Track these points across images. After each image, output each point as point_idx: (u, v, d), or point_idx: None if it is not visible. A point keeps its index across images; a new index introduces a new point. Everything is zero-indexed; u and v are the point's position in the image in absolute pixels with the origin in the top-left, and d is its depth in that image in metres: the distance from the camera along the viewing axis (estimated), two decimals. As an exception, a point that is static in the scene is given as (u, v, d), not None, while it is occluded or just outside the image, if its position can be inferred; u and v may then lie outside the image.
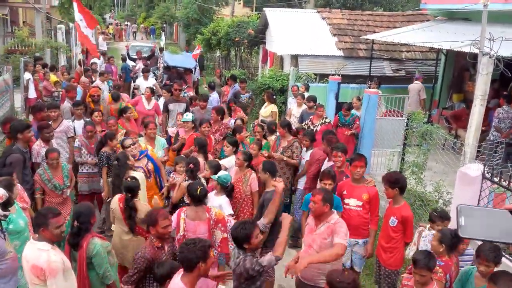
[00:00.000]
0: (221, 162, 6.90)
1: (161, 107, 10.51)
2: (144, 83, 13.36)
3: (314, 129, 8.91)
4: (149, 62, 18.21)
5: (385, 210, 5.74)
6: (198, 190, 5.20)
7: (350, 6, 25.53)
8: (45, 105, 8.52)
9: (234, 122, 9.04)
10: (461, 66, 13.33)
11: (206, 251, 3.85)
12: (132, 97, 12.92)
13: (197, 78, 17.84)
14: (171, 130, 9.23)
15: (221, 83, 15.83)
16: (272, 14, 17.32)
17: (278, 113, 11.28)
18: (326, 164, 7.09)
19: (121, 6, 76.45)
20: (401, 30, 13.26)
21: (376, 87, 11.65)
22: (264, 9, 18.04)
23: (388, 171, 7.52)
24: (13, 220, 5.00)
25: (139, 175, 6.31)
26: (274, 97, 11.56)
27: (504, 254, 5.03)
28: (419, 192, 7.73)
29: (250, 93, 13.15)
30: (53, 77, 13.44)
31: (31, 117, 10.11)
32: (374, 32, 15.10)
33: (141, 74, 14.50)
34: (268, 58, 18.34)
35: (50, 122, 7.70)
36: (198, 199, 5.23)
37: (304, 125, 9.36)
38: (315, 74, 14.18)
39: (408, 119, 8.73)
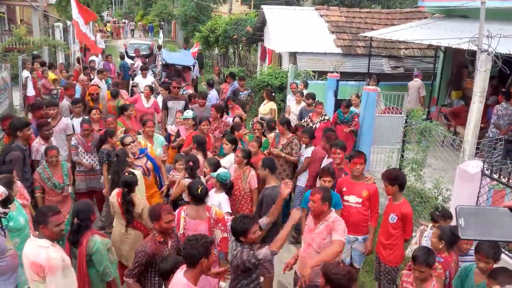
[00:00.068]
0: (221, 162, 6.91)
1: (160, 104, 10.51)
2: (142, 81, 13.36)
3: (313, 127, 8.92)
4: (147, 60, 18.19)
5: (385, 207, 5.75)
6: (199, 189, 5.20)
7: (348, 3, 25.52)
8: (44, 103, 8.52)
9: (233, 120, 9.04)
10: (459, 63, 13.35)
11: (208, 247, 3.87)
12: (131, 95, 12.89)
13: (196, 76, 17.82)
14: (170, 128, 9.23)
15: (220, 80, 15.83)
16: (270, 11, 17.30)
17: (277, 110, 11.29)
18: (326, 161, 7.11)
19: (119, 4, 76.22)
20: (399, 28, 13.25)
21: (375, 84, 11.66)
22: (262, 6, 18.00)
23: (387, 168, 7.53)
24: (13, 217, 5.01)
25: (137, 172, 6.32)
26: (273, 94, 11.56)
27: (503, 250, 5.04)
28: (418, 189, 7.74)
29: (249, 90, 13.14)
30: (51, 75, 13.41)
31: (30, 115, 10.11)
32: (372, 29, 15.09)
33: (140, 72, 14.49)
34: (267, 55, 18.33)
35: (49, 120, 7.71)
36: (199, 198, 5.24)
37: (303, 122, 9.36)
38: (314, 72, 14.17)
39: (407, 116, 8.74)
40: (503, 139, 8.42)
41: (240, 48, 22.88)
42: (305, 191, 7.06)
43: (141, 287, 4.60)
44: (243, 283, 4.47)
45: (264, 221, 4.99)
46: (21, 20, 26.07)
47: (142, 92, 11.02)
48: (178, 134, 8.40)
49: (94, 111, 8.58)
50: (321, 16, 16.70)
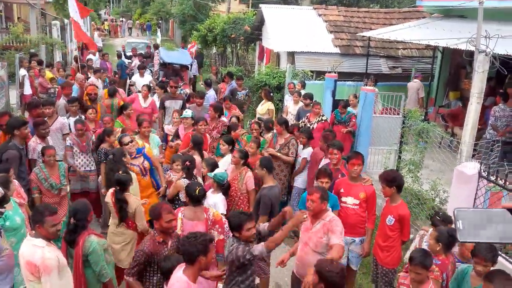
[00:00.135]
0: (219, 163, 6.90)
1: (157, 104, 10.48)
2: (140, 80, 13.34)
3: (311, 127, 8.91)
4: (145, 60, 18.15)
5: (382, 209, 5.74)
6: (197, 190, 5.19)
7: (346, 3, 25.53)
8: (41, 102, 8.48)
9: (229, 120, 9.02)
10: (457, 63, 13.35)
11: (207, 245, 3.90)
12: (128, 94, 12.86)
13: (194, 75, 17.79)
14: (167, 128, 9.20)
15: (218, 80, 15.81)
16: (268, 10, 17.27)
17: (275, 110, 11.27)
18: (323, 162, 7.11)
19: (116, 2, 76.00)
20: (397, 28, 13.25)
21: (373, 85, 11.65)
22: (260, 5, 17.97)
23: (385, 169, 7.53)
24: (9, 217, 4.99)
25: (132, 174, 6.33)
26: (271, 94, 11.54)
27: (500, 253, 5.04)
28: (415, 190, 7.75)
29: (247, 90, 13.14)
30: (48, 74, 13.37)
31: (26, 114, 10.07)
32: (371, 29, 15.08)
33: (137, 71, 14.46)
34: (265, 55, 18.30)
35: (45, 119, 7.67)
36: (196, 199, 5.23)
37: (301, 122, 9.36)
38: (312, 71, 14.16)
39: (404, 117, 8.74)
40: (501, 141, 8.42)
41: (238, 47, 22.85)
42: (302, 192, 7.06)
43: (142, 286, 4.60)
44: (238, 279, 4.51)
45: (264, 228, 4.97)
46: (18, 18, 25.98)
47: (139, 92, 10.99)
48: (176, 133, 8.39)
49: (90, 111, 8.56)
50: (319, 15, 16.69)
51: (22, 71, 13.05)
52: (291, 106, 10.73)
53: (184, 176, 6.23)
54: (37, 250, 4.15)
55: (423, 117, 8.84)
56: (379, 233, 5.70)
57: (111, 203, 5.70)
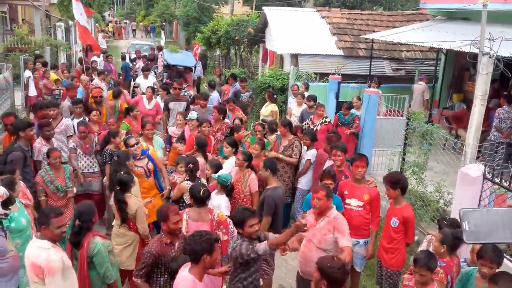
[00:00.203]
0: (223, 165, 6.91)
1: (161, 106, 10.51)
2: (144, 82, 13.37)
3: (314, 129, 8.92)
4: (149, 62, 18.19)
5: (387, 211, 5.74)
6: (201, 191, 5.21)
7: (349, 5, 25.51)
8: (45, 103, 8.51)
9: (233, 122, 9.04)
10: (461, 65, 13.33)
11: (211, 243, 3.92)
12: (132, 96, 12.90)
13: (198, 77, 17.81)
14: (171, 130, 9.22)
15: (221, 82, 15.81)
16: (272, 12, 17.30)
17: (279, 112, 11.28)
18: (327, 164, 7.12)
19: (121, 4, 76.31)
20: (400, 30, 13.25)
21: (376, 87, 11.65)
22: (264, 7, 18.01)
23: (388, 171, 7.53)
24: (14, 218, 5.00)
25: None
26: (275, 96, 11.56)
27: (505, 255, 5.04)
28: (420, 192, 7.73)
29: (251, 92, 13.15)
30: (53, 75, 13.41)
31: (31, 116, 10.10)
32: (374, 31, 15.09)
33: (141, 72, 14.50)
34: (268, 57, 18.32)
35: (50, 120, 7.71)
36: (201, 200, 5.25)
37: (305, 124, 9.37)
38: (315, 73, 14.17)
39: (408, 119, 8.73)
40: (505, 143, 8.41)
41: (242, 49, 22.87)
42: (306, 193, 7.07)
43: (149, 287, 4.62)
44: (242, 276, 4.54)
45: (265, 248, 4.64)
46: (23, 19, 26.06)
47: (143, 93, 11.01)
48: (182, 135, 8.39)
49: (94, 113, 8.59)
50: (323, 17, 16.70)
51: (27, 73, 13.11)
52: (295, 108, 10.74)
53: (188, 178, 6.24)
54: (42, 252, 4.16)
55: (427, 119, 8.82)
56: (384, 235, 5.70)
57: (114, 205, 5.72)
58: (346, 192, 5.95)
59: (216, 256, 3.99)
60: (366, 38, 14.15)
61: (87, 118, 8.62)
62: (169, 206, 4.82)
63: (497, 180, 5.69)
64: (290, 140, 7.81)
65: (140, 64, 17.06)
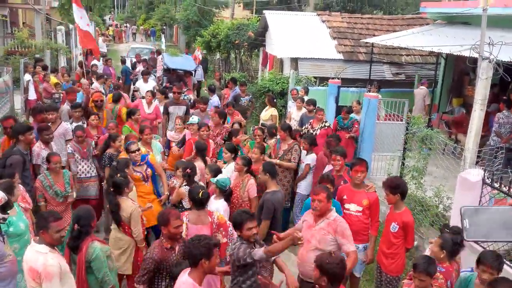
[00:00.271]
0: (223, 170, 6.90)
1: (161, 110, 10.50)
2: (144, 86, 13.36)
3: (314, 133, 8.91)
4: (149, 66, 18.20)
5: (386, 216, 5.73)
6: (200, 193, 5.20)
7: (349, 9, 25.53)
8: (45, 107, 8.50)
9: (232, 126, 9.03)
10: (460, 70, 13.34)
11: (210, 248, 3.92)
12: (132, 100, 12.89)
13: (198, 81, 17.81)
14: (170, 134, 9.20)
15: (221, 86, 15.82)
16: (272, 16, 17.32)
17: (278, 116, 11.28)
18: (327, 168, 7.11)
19: (121, 8, 76.41)
20: (400, 34, 13.25)
21: (376, 91, 11.65)
22: (264, 11, 18.05)
23: (388, 176, 7.52)
24: (13, 222, 4.99)
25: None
26: (275, 100, 11.56)
27: (505, 261, 5.02)
28: (419, 197, 7.72)
29: (250, 96, 13.15)
30: (53, 79, 13.42)
31: (31, 119, 10.09)
32: (374, 35, 15.10)
33: (141, 76, 14.49)
34: (268, 61, 18.34)
35: (49, 124, 7.69)
36: (200, 202, 5.24)
37: (304, 128, 9.36)
38: (315, 77, 14.17)
39: (408, 123, 8.73)
40: (504, 148, 8.40)
41: (242, 53, 22.90)
42: (306, 198, 7.05)
43: None
44: (239, 279, 4.54)
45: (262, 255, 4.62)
46: (23, 23, 26.12)
47: (143, 97, 11.00)
48: (183, 140, 8.37)
49: (92, 117, 8.57)
50: (323, 21, 16.73)
51: (27, 76, 13.11)
52: (294, 112, 10.74)
53: (185, 183, 6.23)
54: (39, 256, 4.15)
55: (426, 123, 8.82)
56: (383, 240, 5.68)
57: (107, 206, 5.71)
58: (345, 197, 5.94)
59: (215, 261, 3.98)
60: (366, 42, 14.18)
61: (85, 123, 8.61)
62: (170, 210, 4.81)
63: (496, 185, 5.69)
64: (290, 145, 7.80)
65: (140, 68, 17.06)
